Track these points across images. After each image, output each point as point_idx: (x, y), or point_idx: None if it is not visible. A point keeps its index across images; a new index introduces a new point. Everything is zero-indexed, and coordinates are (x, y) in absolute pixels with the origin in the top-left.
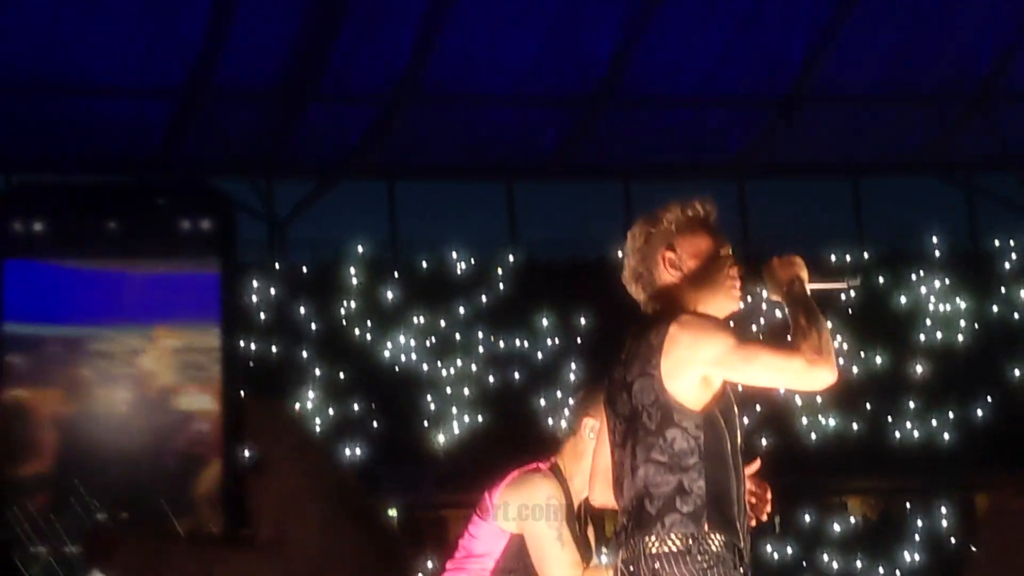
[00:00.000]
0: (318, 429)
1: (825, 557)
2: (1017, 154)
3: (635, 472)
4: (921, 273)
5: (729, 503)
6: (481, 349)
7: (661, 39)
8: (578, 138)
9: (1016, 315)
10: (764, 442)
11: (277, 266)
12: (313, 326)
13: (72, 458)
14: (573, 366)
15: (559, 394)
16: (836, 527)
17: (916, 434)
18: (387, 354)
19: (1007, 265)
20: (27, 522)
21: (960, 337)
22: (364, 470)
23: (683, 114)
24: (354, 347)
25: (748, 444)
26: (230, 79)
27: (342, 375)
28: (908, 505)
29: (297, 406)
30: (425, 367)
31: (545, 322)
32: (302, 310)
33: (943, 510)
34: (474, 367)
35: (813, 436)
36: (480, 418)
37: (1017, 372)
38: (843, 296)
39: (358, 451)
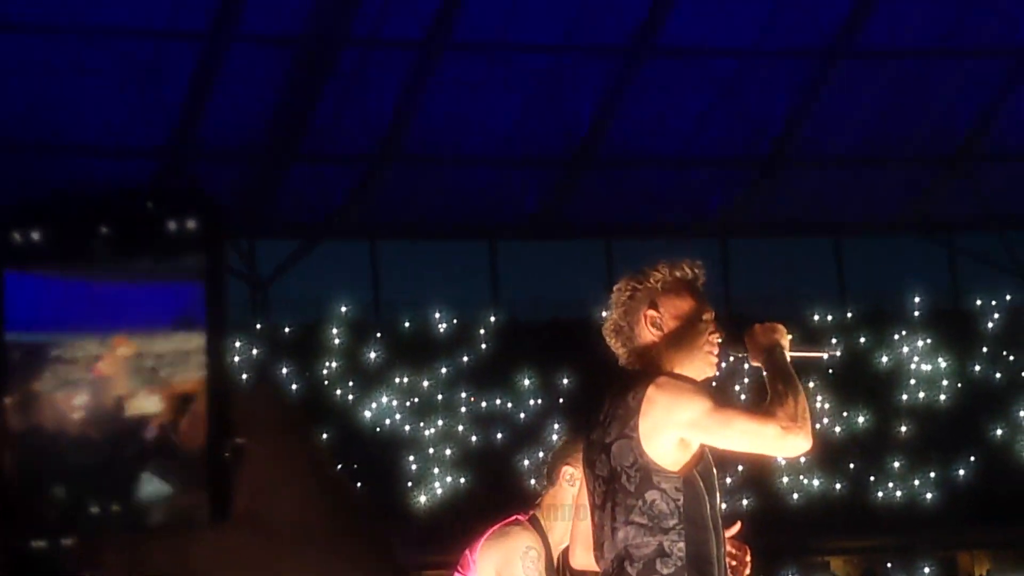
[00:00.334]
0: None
1: None
2: (998, 213)
3: (615, 534)
4: (903, 332)
5: (709, 564)
6: (463, 409)
7: (643, 100)
8: (560, 198)
9: (998, 374)
10: (746, 502)
11: (259, 326)
12: (295, 386)
13: (29, 465)
14: (555, 426)
15: (541, 454)
16: None
17: (899, 494)
18: (369, 414)
19: (989, 324)
20: None
21: (942, 396)
22: None
23: (665, 174)
24: (336, 407)
25: (729, 505)
26: (213, 139)
27: (324, 436)
28: (890, 565)
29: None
30: (407, 427)
31: (527, 382)
32: (284, 370)
33: (926, 570)
34: (456, 427)
35: (795, 496)
36: (462, 478)
37: (999, 431)
38: (826, 357)
39: None
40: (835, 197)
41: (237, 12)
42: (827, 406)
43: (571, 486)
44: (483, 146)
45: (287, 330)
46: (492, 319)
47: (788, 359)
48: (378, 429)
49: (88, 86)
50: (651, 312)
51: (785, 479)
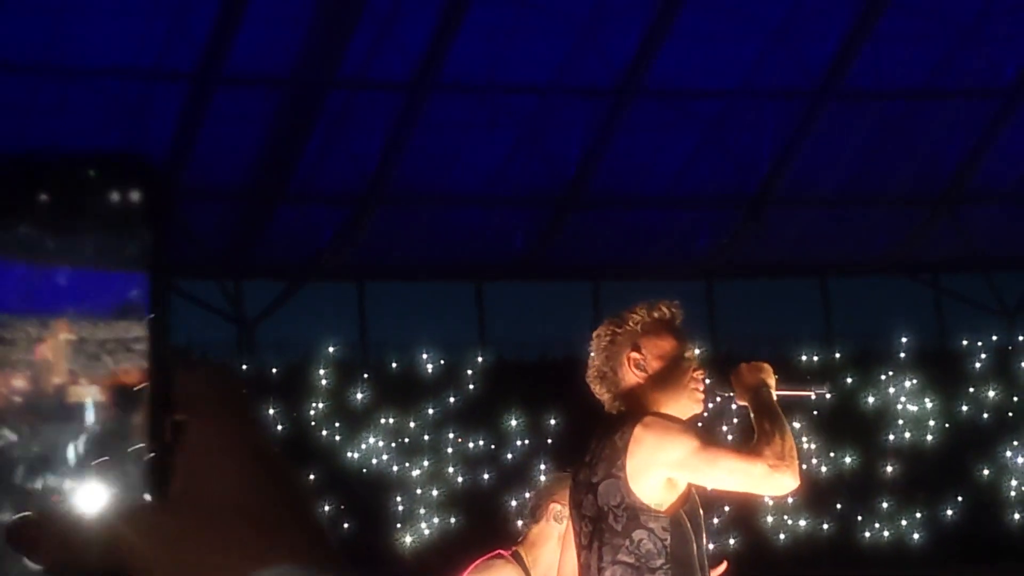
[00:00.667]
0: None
1: None
2: (984, 254)
3: (602, 573)
4: (890, 373)
5: None
6: (450, 450)
7: (630, 141)
8: (547, 238)
9: (984, 415)
10: (732, 542)
11: (245, 367)
12: (281, 427)
13: None
14: (543, 466)
15: (528, 494)
16: None
17: (886, 534)
18: (356, 455)
19: (975, 365)
20: None
21: (929, 437)
22: None
23: (652, 215)
24: (323, 448)
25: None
26: (199, 179)
27: (311, 477)
28: None
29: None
30: (394, 468)
31: (514, 422)
32: (271, 411)
33: None
34: (444, 468)
35: (782, 536)
36: (450, 519)
37: (985, 472)
38: (813, 396)
39: None
40: (821, 238)
41: (224, 53)
42: (814, 446)
43: (558, 523)
44: (470, 186)
45: (274, 371)
46: (479, 359)
47: (775, 398)
48: (365, 470)
49: (74, 126)
50: (634, 355)
51: (771, 519)
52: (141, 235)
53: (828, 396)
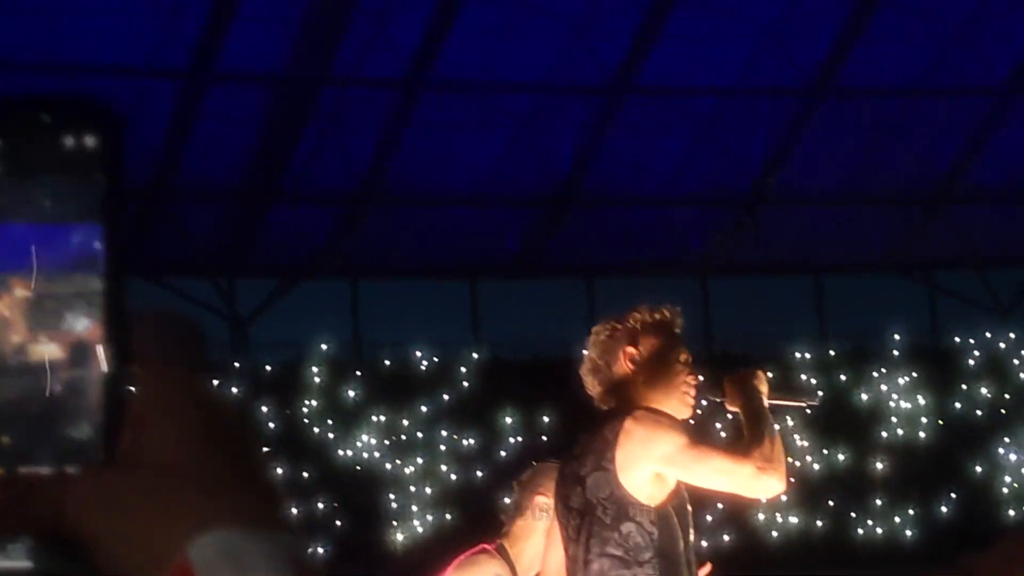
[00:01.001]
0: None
1: None
2: (978, 252)
3: (588, 566)
4: (883, 370)
5: None
6: (443, 447)
7: (624, 140)
8: (542, 237)
9: (978, 412)
10: (726, 539)
11: (239, 365)
12: (275, 425)
13: None
14: (536, 464)
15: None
16: None
17: (879, 531)
18: (349, 453)
19: (969, 362)
20: None
21: (922, 434)
22: (328, 570)
23: (646, 214)
24: (316, 446)
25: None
26: (193, 179)
27: (304, 474)
28: None
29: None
30: (387, 466)
31: (508, 420)
32: (264, 409)
33: None
34: (437, 465)
35: (775, 533)
36: (443, 517)
37: (979, 468)
38: (805, 407)
39: (320, 550)
40: (816, 236)
41: (216, 50)
42: (807, 443)
43: (542, 516)
44: (464, 185)
45: (267, 369)
46: (473, 357)
47: (766, 405)
48: (358, 467)
49: None
50: (630, 349)
51: (764, 516)
52: (97, 183)
53: (816, 405)
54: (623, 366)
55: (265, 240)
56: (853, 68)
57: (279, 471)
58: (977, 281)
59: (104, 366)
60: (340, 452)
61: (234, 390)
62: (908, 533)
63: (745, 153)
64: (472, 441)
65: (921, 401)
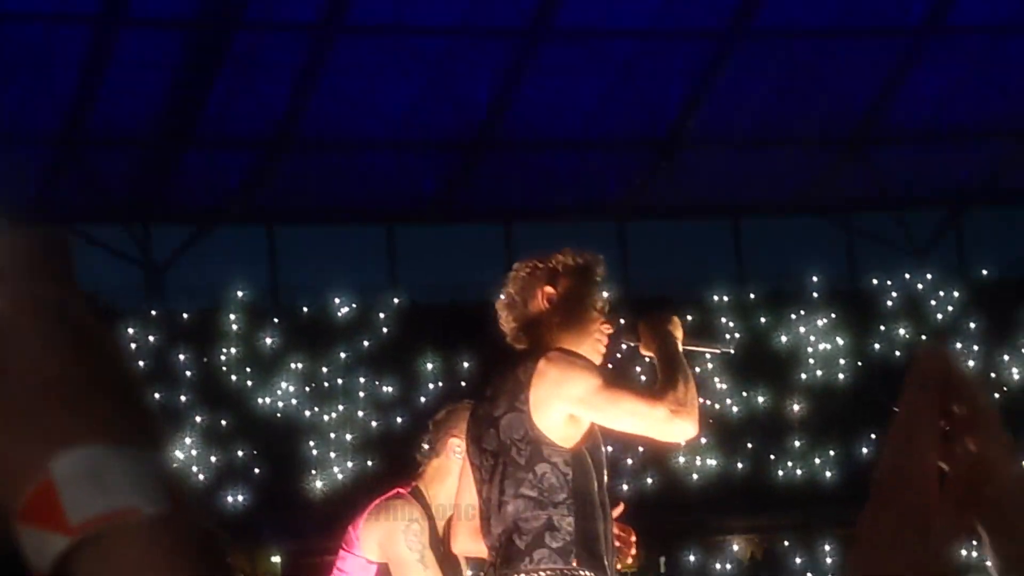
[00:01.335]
0: (197, 477)
1: None
2: (894, 194)
3: (503, 507)
4: (802, 312)
5: (597, 540)
6: (363, 394)
7: (540, 83)
8: (459, 182)
9: (896, 352)
10: (649, 481)
11: (154, 312)
12: (192, 373)
13: None
14: (452, 405)
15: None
16: (721, 566)
17: (799, 472)
18: (268, 400)
19: (887, 303)
20: None
21: (841, 375)
22: (247, 517)
23: (564, 158)
24: (234, 394)
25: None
26: (106, 125)
27: (223, 422)
28: (790, 543)
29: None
30: (307, 413)
31: (428, 366)
32: (181, 356)
33: (826, 547)
34: (356, 412)
35: (695, 476)
36: (364, 463)
37: (898, 409)
38: (718, 352)
39: (240, 498)
40: (733, 179)
41: None
42: (726, 386)
43: (457, 457)
44: (380, 130)
45: (184, 316)
46: (392, 303)
47: (681, 350)
48: (277, 415)
49: None
50: (548, 289)
51: (684, 459)
52: None
53: (731, 352)
54: (539, 304)
55: (179, 186)
56: (769, 10)
57: (199, 419)
58: (894, 222)
59: None
60: (259, 400)
61: (150, 338)
62: (828, 474)
63: (662, 96)
64: (392, 387)
65: (840, 342)
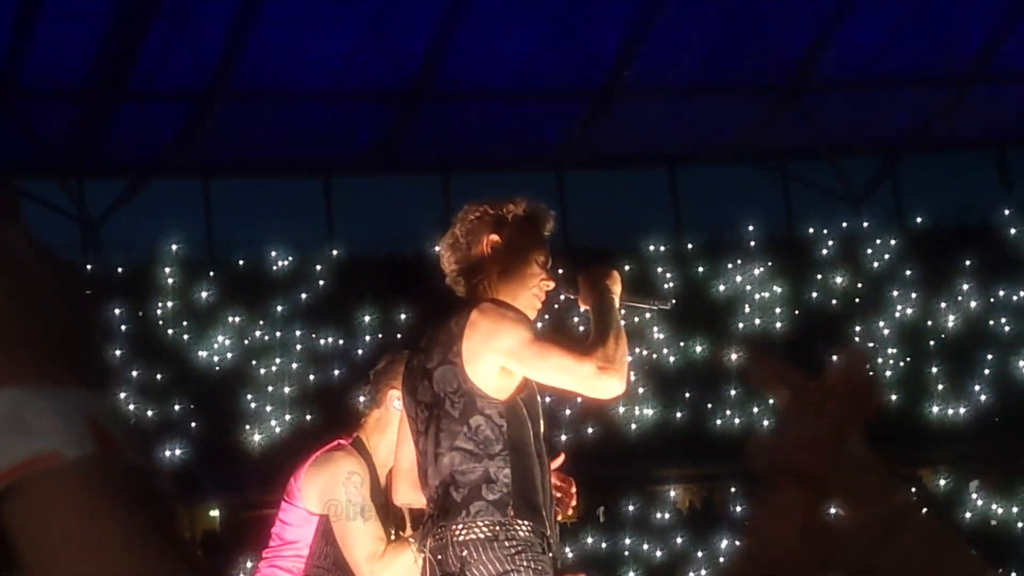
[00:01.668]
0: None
1: (647, 546)
2: (830, 142)
3: (439, 460)
4: (739, 261)
5: (535, 491)
6: (300, 347)
7: (476, 33)
8: (395, 133)
9: (833, 300)
10: (589, 431)
11: (89, 267)
12: (128, 327)
13: None
14: (391, 355)
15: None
16: (660, 515)
17: (736, 421)
18: (204, 354)
19: (823, 251)
20: None
21: (779, 324)
22: (184, 472)
23: (500, 107)
24: (170, 347)
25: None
26: (37, 78)
27: (159, 376)
28: (728, 492)
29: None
30: (244, 367)
31: (366, 318)
32: (116, 311)
33: None
34: (294, 365)
35: (634, 426)
36: (302, 416)
37: (835, 357)
38: (656, 308)
39: (178, 452)
40: (669, 128)
41: None
42: (664, 336)
43: (397, 408)
44: (315, 81)
45: (119, 270)
46: (330, 255)
47: (617, 305)
48: (214, 368)
49: None
50: (493, 236)
51: (623, 409)
52: None
53: (668, 308)
54: (482, 250)
55: (113, 139)
56: None
57: (135, 374)
58: (830, 170)
59: None
60: (196, 354)
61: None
62: (765, 423)
63: (599, 45)
64: (329, 340)
65: (777, 291)
